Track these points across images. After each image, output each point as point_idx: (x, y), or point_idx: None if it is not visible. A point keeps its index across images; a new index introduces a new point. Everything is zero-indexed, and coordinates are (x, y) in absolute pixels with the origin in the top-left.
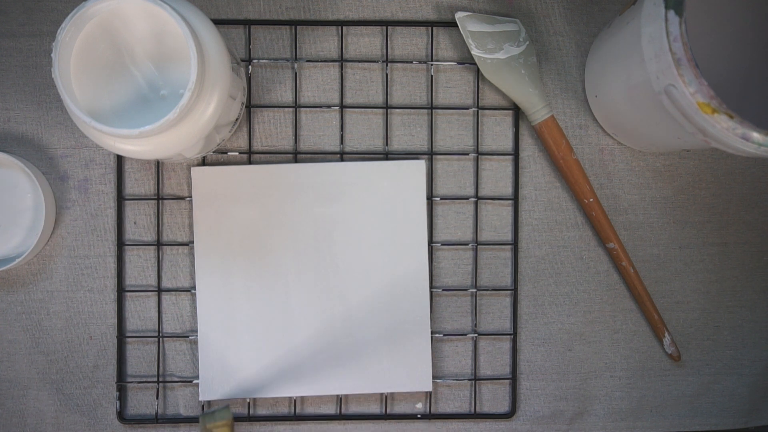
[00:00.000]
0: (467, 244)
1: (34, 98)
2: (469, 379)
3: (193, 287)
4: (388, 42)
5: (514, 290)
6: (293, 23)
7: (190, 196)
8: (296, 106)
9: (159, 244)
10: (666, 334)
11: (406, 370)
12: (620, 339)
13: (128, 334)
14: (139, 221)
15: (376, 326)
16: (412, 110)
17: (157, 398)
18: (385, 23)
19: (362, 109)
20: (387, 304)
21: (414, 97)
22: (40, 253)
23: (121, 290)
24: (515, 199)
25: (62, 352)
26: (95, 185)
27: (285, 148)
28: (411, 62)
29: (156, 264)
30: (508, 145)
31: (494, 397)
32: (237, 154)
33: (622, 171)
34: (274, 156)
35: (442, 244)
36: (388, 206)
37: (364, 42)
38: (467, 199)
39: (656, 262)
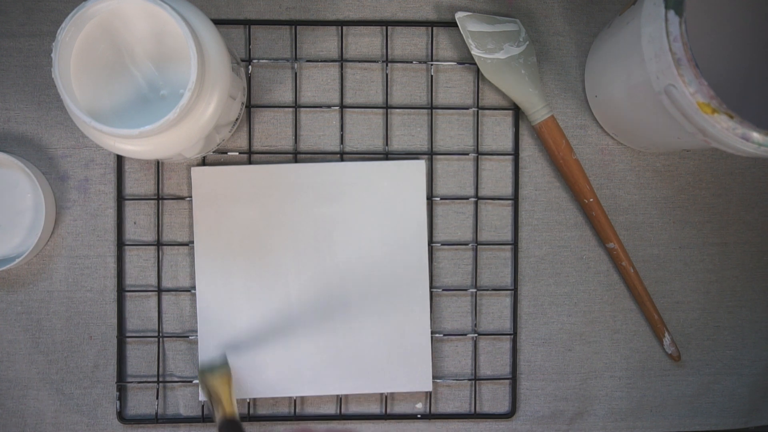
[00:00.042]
0: (467, 244)
1: (34, 98)
2: (469, 379)
3: (193, 287)
4: (388, 42)
5: (514, 290)
6: (293, 23)
7: (190, 196)
8: (296, 106)
9: (159, 244)
10: (666, 334)
11: (406, 370)
12: (620, 339)
13: (128, 334)
14: (139, 221)
15: (376, 326)
16: (412, 110)
17: (157, 398)
18: (385, 23)
19: (362, 109)
20: (387, 304)
21: (414, 97)
22: (40, 253)
23: (121, 290)
24: (515, 199)
25: (62, 352)
26: (95, 185)
27: (285, 148)
28: (411, 62)
29: (156, 264)
30: (508, 145)
31: (494, 397)
32: (237, 154)
33: (622, 171)
34: (274, 156)
35: (442, 244)
36: (388, 206)
37: (364, 42)
38: (467, 199)
39: (656, 262)
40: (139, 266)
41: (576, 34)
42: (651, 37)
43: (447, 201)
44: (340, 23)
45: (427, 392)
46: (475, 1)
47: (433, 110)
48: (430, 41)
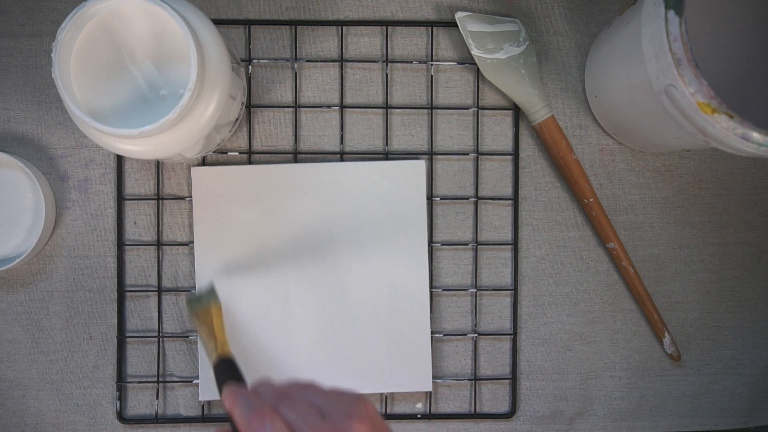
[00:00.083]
0: (467, 244)
1: (34, 98)
2: (469, 379)
3: (193, 287)
4: (388, 42)
5: (514, 290)
6: (293, 23)
7: (190, 196)
8: (296, 106)
9: (159, 244)
10: (666, 334)
11: (406, 370)
12: (620, 339)
13: (128, 334)
14: (139, 221)
15: (376, 326)
16: (412, 110)
17: (157, 398)
18: (385, 23)
19: (362, 109)
20: (387, 304)
21: (414, 97)
22: (40, 253)
23: (121, 290)
24: (515, 199)
25: (62, 352)
26: (95, 185)
27: (285, 148)
28: (411, 62)
29: (156, 264)
30: (508, 145)
31: (494, 397)
32: (237, 154)
33: (622, 171)
34: (274, 156)
35: (442, 244)
36: (388, 206)
37: (364, 42)
38: (467, 199)
39: (656, 262)
40: (139, 266)
41: (576, 34)
42: (651, 37)
43: (447, 201)
44: (340, 23)
45: (427, 392)
46: (475, 1)
47: (433, 110)
48: (430, 41)
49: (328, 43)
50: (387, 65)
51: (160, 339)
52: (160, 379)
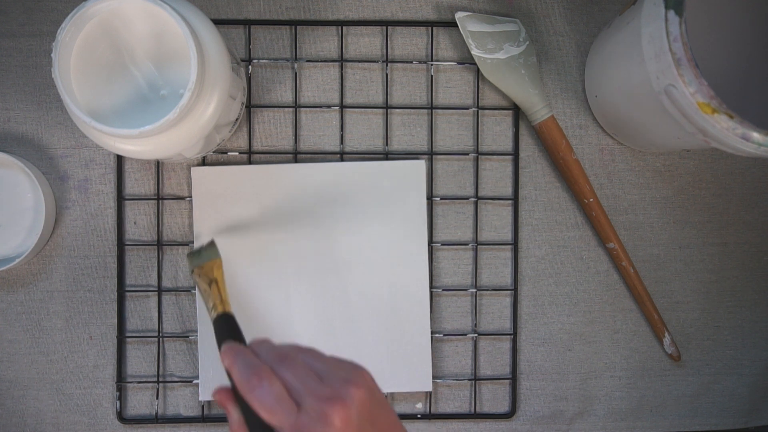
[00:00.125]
0: (467, 244)
1: (34, 98)
2: (469, 379)
3: (193, 287)
4: (388, 42)
5: (514, 290)
6: (293, 23)
7: (190, 196)
8: (296, 106)
9: (159, 244)
10: (666, 334)
11: (406, 370)
12: (620, 339)
13: (128, 334)
14: (139, 221)
15: (376, 326)
16: (412, 110)
17: (157, 398)
18: (385, 23)
19: (362, 109)
20: (387, 304)
21: (414, 97)
22: (40, 253)
23: (121, 290)
24: (515, 199)
25: (62, 352)
26: (95, 185)
27: (285, 148)
28: (411, 62)
29: (156, 264)
30: (508, 145)
31: (494, 397)
32: (237, 154)
33: (622, 171)
34: (274, 156)
35: (442, 244)
36: (388, 206)
37: (364, 42)
38: (467, 199)
39: (656, 262)
40: (139, 266)
41: (576, 34)
42: (651, 37)
43: (447, 201)
44: (340, 23)
45: (427, 392)
46: (475, 1)
47: (433, 110)
48: (430, 41)
49: (328, 43)
50: (387, 65)
51: (160, 339)
52: (160, 379)
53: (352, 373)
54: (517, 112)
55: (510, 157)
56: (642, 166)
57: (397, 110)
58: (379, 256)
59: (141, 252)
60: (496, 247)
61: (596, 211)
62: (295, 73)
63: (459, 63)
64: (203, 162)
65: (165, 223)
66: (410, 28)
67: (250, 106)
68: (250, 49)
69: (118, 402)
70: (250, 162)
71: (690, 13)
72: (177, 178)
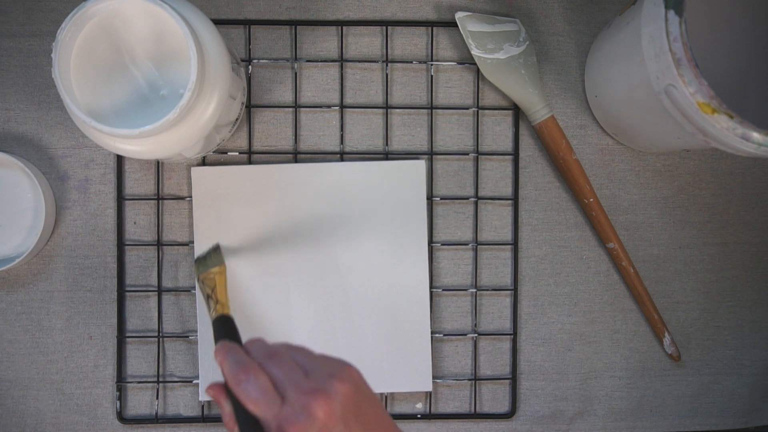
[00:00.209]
0: (467, 244)
1: (34, 98)
2: (469, 379)
3: (193, 287)
4: (388, 42)
5: (514, 290)
6: (293, 23)
7: (190, 196)
8: (296, 106)
9: (159, 244)
10: (666, 334)
11: (406, 370)
12: (620, 339)
13: (128, 334)
14: (139, 221)
15: (376, 326)
16: (412, 110)
17: (157, 398)
18: (385, 23)
19: (362, 109)
20: (387, 304)
21: (414, 97)
22: (40, 253)
23: (121, 290)
24: (515, 199)
25: (62, 352)
26: (95, 185)
27: (285, 148)
28: (411, 62)
29: (156, 264)
30: (508, 145)
31: (494, 397)
32: (237, 154)
33: (622, 171)
34: (274, 156)
35: (442, 244)
36: (388, 206)
37: (364, 42)
38: (467, 199)
39: (656, 262)
40: (139, 266)
41: (576, 34)
42: (651, 37)
43: (447, 201)
44: (340, 23)
45: (427, 392)
46: (475, 1)
47: (433, 110)
48: (430, 41)
49: (328, 43)
50: (387, 65)
51: (160, 339)
52: (160, 379)
53: (338, 369)
54: (517, 112)
55: (510, 157)
56: (642, 166)
57: (397, 110)
58: (379, 256)
59: (141, 252)
60: (496, 247)
61: (596, 211)
62: (295, 73)
63: (459, 63)
64: (203, 162)
65: (165, 223)
66: (410, 28)
67: (250, 106)
68: (250, 49)
69: (118, 402)
70: (250, 162)
71: (690, 13)
72: (177, 178)
